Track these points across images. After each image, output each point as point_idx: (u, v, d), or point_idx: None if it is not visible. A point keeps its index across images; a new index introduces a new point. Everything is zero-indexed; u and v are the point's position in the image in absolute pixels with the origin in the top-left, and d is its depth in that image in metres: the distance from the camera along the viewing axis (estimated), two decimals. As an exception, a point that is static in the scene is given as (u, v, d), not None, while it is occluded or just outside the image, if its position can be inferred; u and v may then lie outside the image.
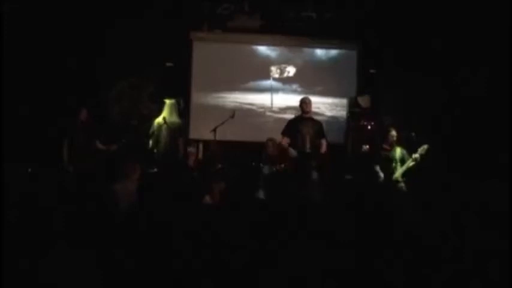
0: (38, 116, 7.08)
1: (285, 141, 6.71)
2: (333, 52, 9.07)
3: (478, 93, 6.90)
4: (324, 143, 6.73)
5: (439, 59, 7.59)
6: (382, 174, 6.57)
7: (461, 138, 6.99)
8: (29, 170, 6.21)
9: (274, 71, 8.92)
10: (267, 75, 8.91)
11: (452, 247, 3.67)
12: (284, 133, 6.79)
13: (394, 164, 6.53)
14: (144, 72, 8.17)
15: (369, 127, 8.41)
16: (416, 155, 6.32)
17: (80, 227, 3.89)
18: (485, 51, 6.84)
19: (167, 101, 7.33)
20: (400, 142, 6.71)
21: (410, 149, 6.52)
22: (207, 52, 8.77)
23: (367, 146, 7.85)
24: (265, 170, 6.82)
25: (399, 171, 6.46)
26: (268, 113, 8.92)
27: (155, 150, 7.15)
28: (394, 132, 6.68)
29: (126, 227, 4.05)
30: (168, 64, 8.42)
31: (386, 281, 3.42)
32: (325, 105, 8.92)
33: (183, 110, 8.21)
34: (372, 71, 8.81)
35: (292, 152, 6.58)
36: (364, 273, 3.46)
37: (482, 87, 6.83)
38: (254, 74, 8.90)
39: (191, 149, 7.30)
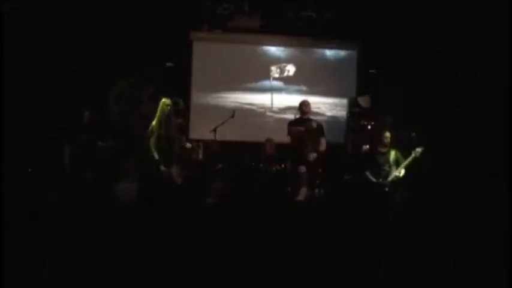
0: (38, 116, 7.08)
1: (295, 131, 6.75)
2: (333, 52, 9.07)
3: (478, 93, 6.89)
4: (323, 141, 6.78)
5: (439, 59, 7.58)
6: (373, 179, 6.55)
7: (461, 138, 6.98)
8: (29, 170, 6.21)
9: (274, 71, 8.92)
10: (267, 75, 8.91)
11: (451, 247, 3.68)
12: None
13: (388, 168, 6.52)
14: (144, 72, 8.15)
15: (369, 127, 8.41)
16: (413, 155, 6.33)
17: (80, 227, 3.89)
18: (485, 51, 6.83)
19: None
20: (396, 143, 6.70)
21: (410, 149, 6.52)
22: (207, 52, 8.77)
23: (367, 146, 7.86)
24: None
25: (396, 172, 6.44)
26: (268, 113, 8.92)
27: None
28: (387, 134, 6.68)
29: (125, 227, 4.06)
30: (168, 64, 8.42)
31: (386, 281, 3.42)
32: (325, 105, 8.92)
33: (183, 111, 8.22)
34: (371, 71, 8.80)
35: (313, 155, 6.62)
36: (363, 273, 3.47)
37: (482, 87, 6.82)
38: (254, 74, 8.89)
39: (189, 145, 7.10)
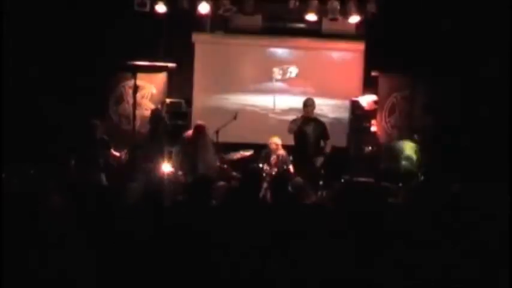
0: (38, 116, 7.12)
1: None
2: (336, 53, 9.06)
3: (478, 93, 6.90)
4: (327, 142, 6.75)
5: (441, 60, 7.58)
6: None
7: (461, 138, 6.98)
8: (31, 171, 6.23)
9: (277, 72, 8.91)
10: (269, 77, 8.91)
11: (451, 247, 3.67)
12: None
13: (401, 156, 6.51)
14: (145, 74, 8.18)
15: (372, 129, 8.42)
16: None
17: (80, 227, 3.90)
18: (485, 53, 6.85)
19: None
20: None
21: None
22: (209, 54, 8.80)
23: (370, 148, 7.87)
24: None
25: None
26: (270, 115, 8.92)
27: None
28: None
29: (126, 227, 4.06)
30: (170, 66, 8.43)
31: (386, 281, 3.41)
32: (327, 107, 8.90)
33: (185, 112, 8.28)
34: (374, 72, 8.78)
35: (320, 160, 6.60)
36: (362, 274, 3.46)
37: (482, 87, 6.83)
38: (256, 75, 8.91)
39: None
